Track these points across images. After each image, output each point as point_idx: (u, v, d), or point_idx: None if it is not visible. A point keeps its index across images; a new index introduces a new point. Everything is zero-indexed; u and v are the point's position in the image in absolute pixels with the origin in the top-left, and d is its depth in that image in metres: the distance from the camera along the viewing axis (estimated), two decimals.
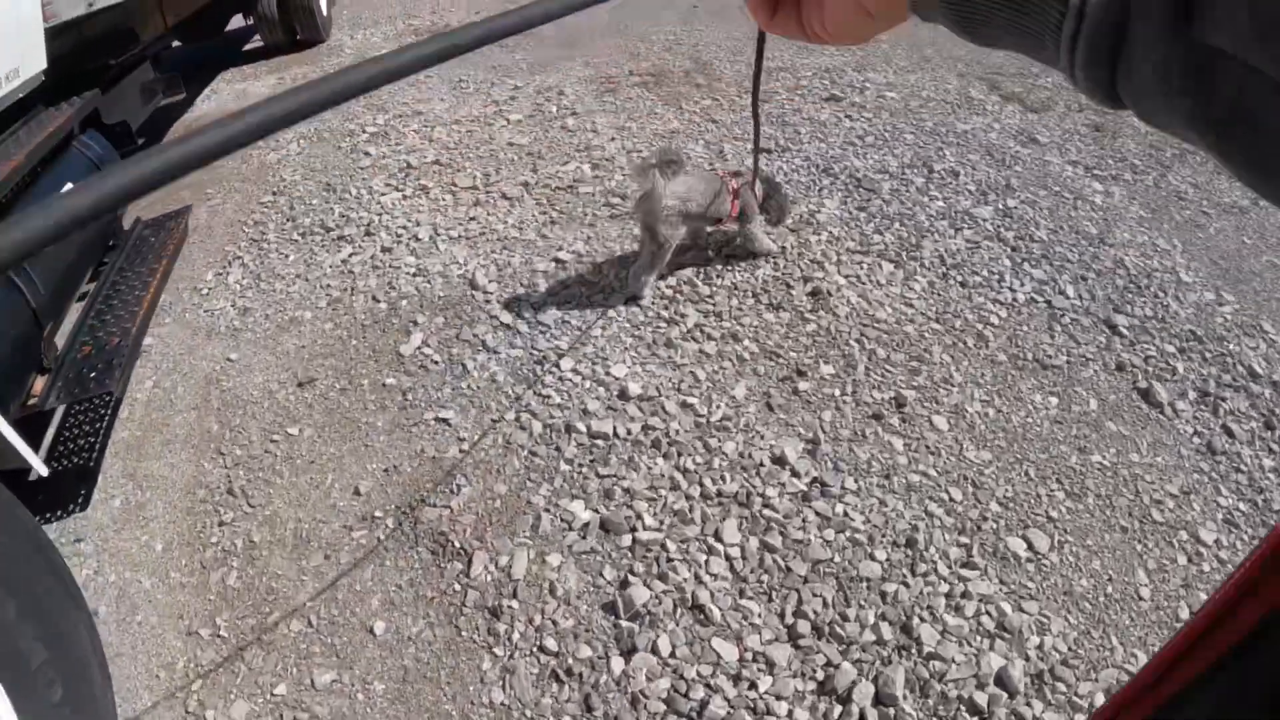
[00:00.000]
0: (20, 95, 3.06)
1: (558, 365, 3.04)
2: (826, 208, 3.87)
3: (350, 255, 3.98)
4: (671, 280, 3.41)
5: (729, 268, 3.49)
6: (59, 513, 2.66)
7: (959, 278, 3.37)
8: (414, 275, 3.71)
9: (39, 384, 2.68)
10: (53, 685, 1.55)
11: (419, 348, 3.27)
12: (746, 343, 3.08)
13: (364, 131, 5.51)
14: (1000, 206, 3.87)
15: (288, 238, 4.30)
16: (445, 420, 2.88)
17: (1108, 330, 3.06)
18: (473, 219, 4.08)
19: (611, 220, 3.90)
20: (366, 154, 5.10)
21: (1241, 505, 2.39)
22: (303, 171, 5.08)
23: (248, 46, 8.25)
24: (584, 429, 2.74)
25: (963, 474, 2.50)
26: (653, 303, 3.30)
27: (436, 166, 4.72)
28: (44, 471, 2.26)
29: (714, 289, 3.36)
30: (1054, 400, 2.78)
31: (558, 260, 3.61)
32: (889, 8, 0.47)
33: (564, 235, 3.81)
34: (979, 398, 2.79)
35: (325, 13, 8.03)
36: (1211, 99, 0.27)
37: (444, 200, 4.31)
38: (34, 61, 3.12)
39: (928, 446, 2.61)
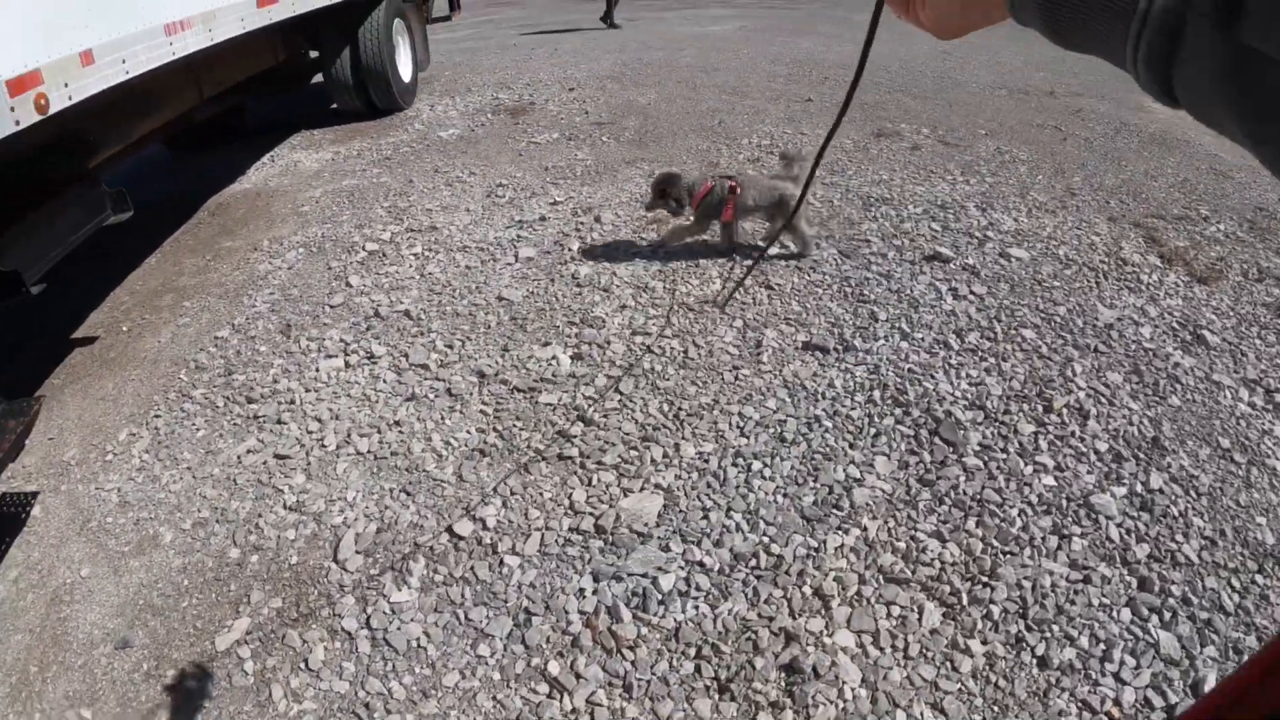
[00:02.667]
0: None
1: None
2: (875, 470, 2.70)
3: (246, 453, 3.17)
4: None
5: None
6: None
7: (1038, 647, 2.15)
8: (288, 511, 2.84)
9: None
10: None
11: (235, 644, 2.40)
12: None
13: (364, 247, 4.76)
14: (1138, 489, 2.59)
15: (211, 402, 3.56)
16: None
17: None
18: (396, 424, 3.16)
19: (549, 471, 2.87)
20: (348, 284, 4.33)
21: None
22: (276, 298, 4.37)
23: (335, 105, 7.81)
24: None
25: None
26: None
27: (404, 321, 3.86)
28: None
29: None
30: None
31: (452, 533, 2.63)
32: (989, 7, 0.50)
33: (486, 481, 2.83)
34: None
35: (407, 80, 7.47)
36: (1251, 97, 0.30)
37: (380, 384, 3.43)
38: None
39: None
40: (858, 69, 0.93)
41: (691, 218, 4.10)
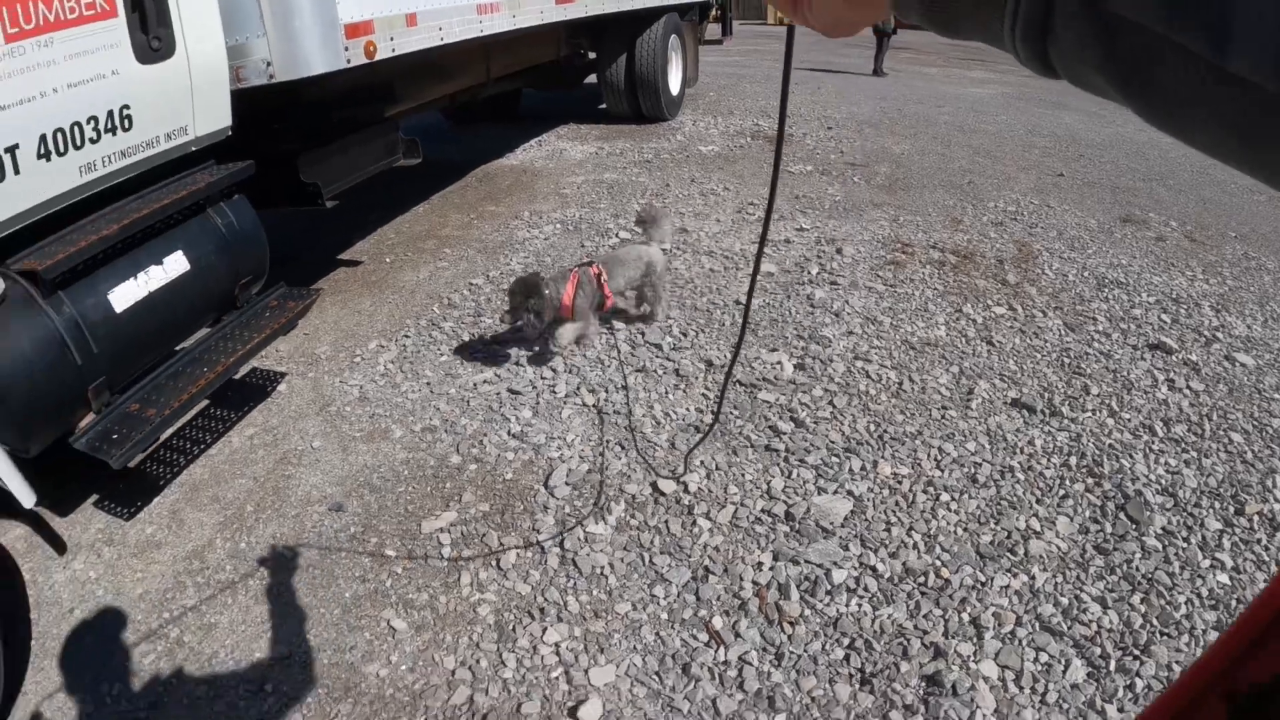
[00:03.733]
0: (190, 150, 3.06)
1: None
2: (1055, 528, 2.73)
3: (483, 382, 3.60)
4: None
5: None
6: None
7: None
8: (510, 438, 3.20)
9: (87, 419, 2.65)
10: None
11: (438, 530, 2.77)
12: None
13: (618, 234, 5.18)
14: None
15: (458, 335, 4.04)
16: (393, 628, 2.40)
17: None
18: (624, 388, 3.49)
19: (755, 457, 3.12)
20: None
21: None
22: (530, 262, 4.85)
23: (602, 105, 8.44)
24: None
25: None
26: None
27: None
28: (28, 504, 2.26)
29: None
30: None
31: (655, 488, 2.89)
32: (872, 3, 0.50)
33: (696, 452, 3.10)
34: None
35: (675, 92, 7.95)
36: (1116, 57, 0.33)
37: (614, 354, 3.77)
38: (208, 121, 3.10)
39: None
40: (781, 106, 0.92)
41: (574, 319, 3.64)
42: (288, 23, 3.18)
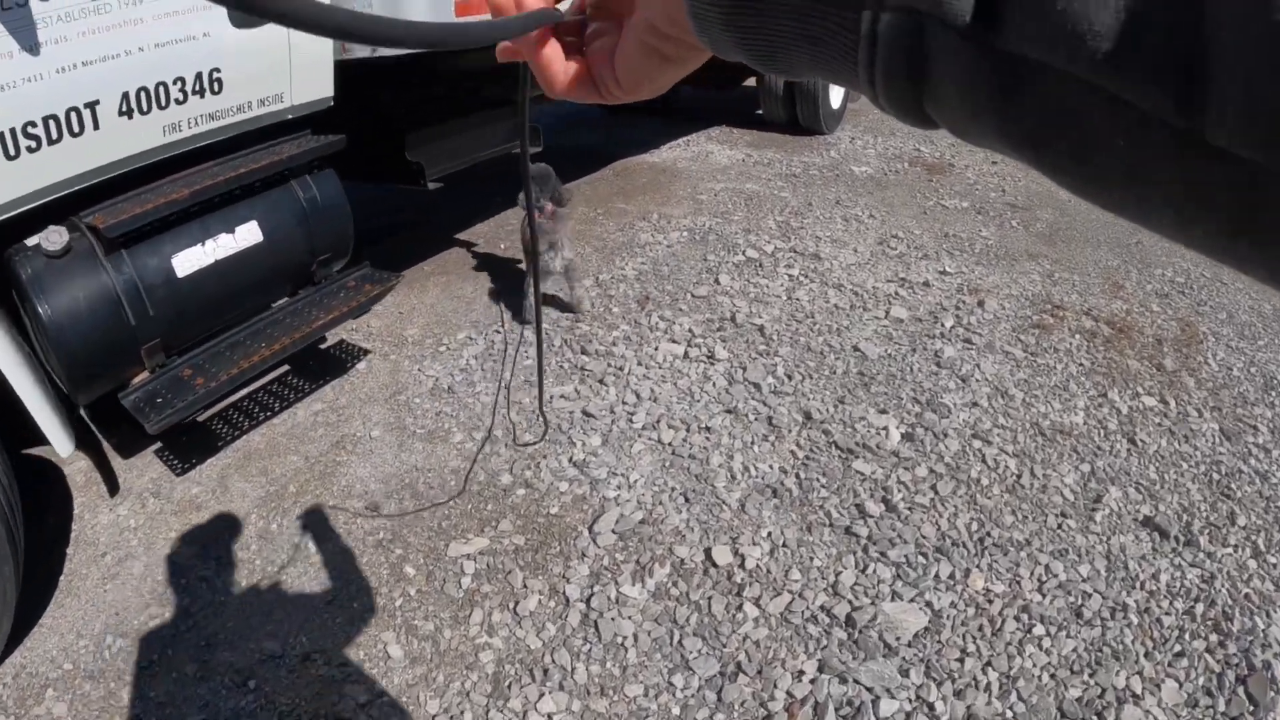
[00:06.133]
0: (287, 118, 3.02)
1: None
2: (1159, 694, 2.26)
3: (560, 397, 3.40)
4: None
5: None
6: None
7: None
8: (570, 465, 2.98)
9: (141, 376, 2.70)
10: None
11: (464, 556, 2.60)
12: None
13: (745, 252, 4.88)
14: None
15: (549, 339, 3.89)
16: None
17: None
18: (707, 429, 3.21)
19: (830, 539, 2.77)
20: (717, 280, 4.46)
21: None
22: (646, 269, 4.64)
23: (759, 111, 8.12)
24: None
25: None
26: None
27: (755, 335, 3.89)
28: (64, 453, 2.40)
29: None
30: None
31: (709, 556, 2.61)
32: (685, 51, 0.43)
33: (766, 521, 2.79)
34: None
35: (835, 105, 7.55)
36: (1021, 115, 0.26)
37: (708, 386, 3.50)
38: (308, 90, 3.03)
39: None
40: (521, 142, 0.74)
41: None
42: None
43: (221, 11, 2.61)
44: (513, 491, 2.89)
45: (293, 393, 3.48)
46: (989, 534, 2.74)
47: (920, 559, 2.61)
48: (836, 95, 7.58)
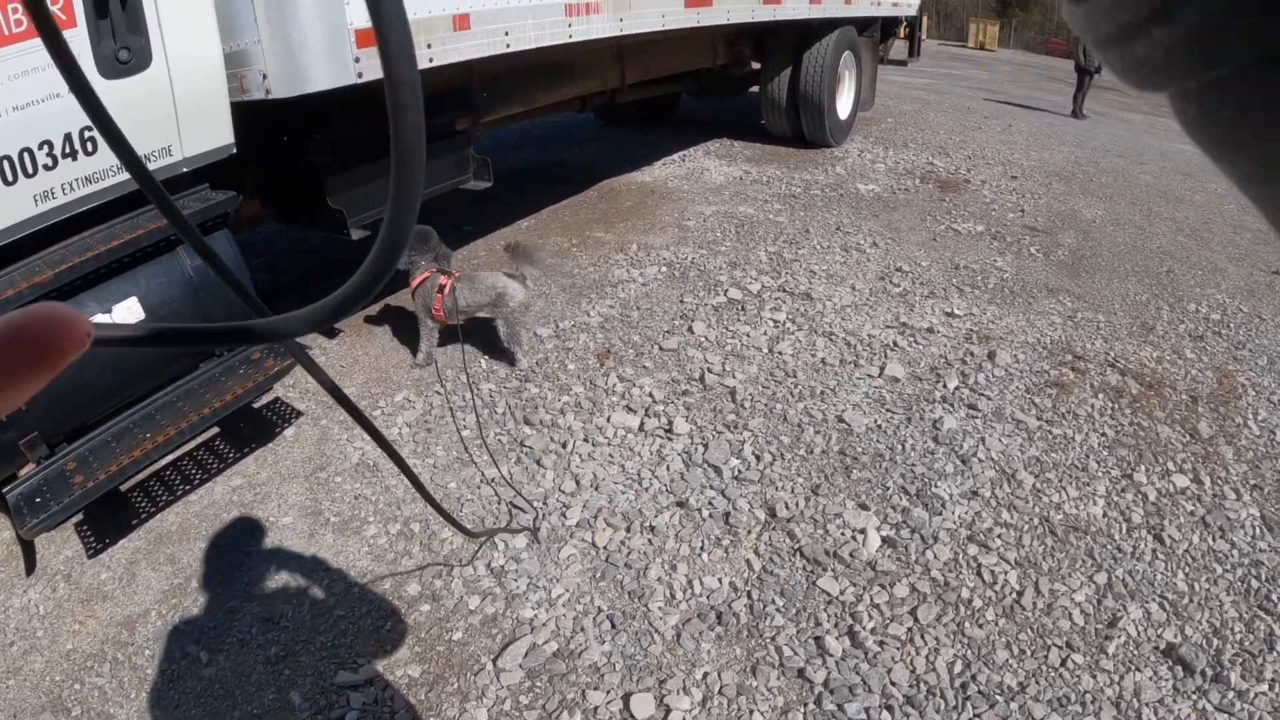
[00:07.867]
0: (181, 171, 2.73)
1: None
2: None
3: (492, 480, 3.02)
4: None
5: None
6: None
7: None
8: (488, 573, 2.58)
9: (29, 467, 2.53)
10: None
11: (350, 686, 2.22)
12: None
13: (727, 292, 4.46)
14: None
15: (493, 404, 3.50)
16: None
17: None
18: (651, 529, 2.79)
19: (778, 685, 2.33)
20: (690, 329, 4.05)
21: None
22: (614, 314, 4.24)
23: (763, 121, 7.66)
24: None
25: None
26: None
27: (725, 402, 3.47)
28: None
29: None
30: None
31: (627, 707, 2.19)
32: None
33: (703, 659, 2.36)
34: None
35: (843, 116, 7.09)
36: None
37: (660, 470, 3.08)
38: (201, 139, 2.68)
39: None
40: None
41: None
42: (284, 27, 2.64)
43: (89, 61, 2.36)
44: (417, 607, 2.51)
45: (216, 461, 3.20)
46: (974, 677, 2.30)
47: (884, 715, 2.17)
48: (844, 106, 7.15)
